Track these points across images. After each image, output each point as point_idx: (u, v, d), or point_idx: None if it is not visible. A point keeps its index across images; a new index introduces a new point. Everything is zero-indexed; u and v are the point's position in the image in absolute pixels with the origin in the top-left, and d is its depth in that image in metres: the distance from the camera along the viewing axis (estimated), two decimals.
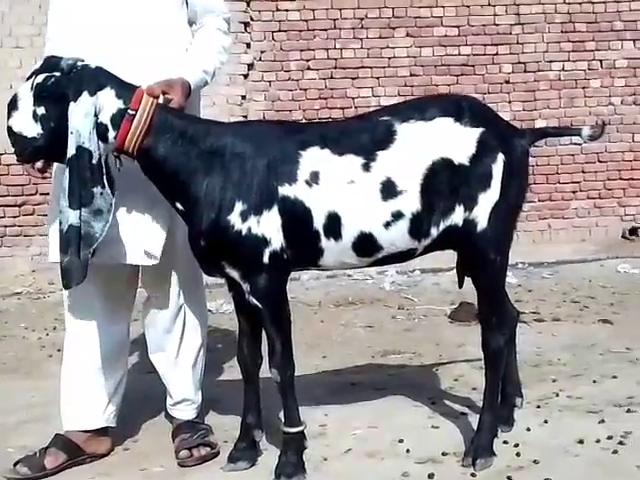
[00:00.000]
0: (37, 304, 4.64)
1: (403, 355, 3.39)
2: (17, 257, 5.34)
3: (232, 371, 3.13)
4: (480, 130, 2.17)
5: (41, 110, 2.04)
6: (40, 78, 2.04)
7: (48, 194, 5.32)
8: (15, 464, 2.29)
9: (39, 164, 2.14)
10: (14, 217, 5.38)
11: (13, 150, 2.11)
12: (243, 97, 5.50)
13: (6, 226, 5.39)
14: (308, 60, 5.52)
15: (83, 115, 2.01)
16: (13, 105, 2.08)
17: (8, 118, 2.08)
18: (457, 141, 2.15)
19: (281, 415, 2.28)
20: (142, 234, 2.24)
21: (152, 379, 2.89)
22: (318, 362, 3.27)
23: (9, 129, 2.08)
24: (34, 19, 5.24)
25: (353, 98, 5.56)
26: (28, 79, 2.08)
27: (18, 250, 5.36)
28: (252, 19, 5.48)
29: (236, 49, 5.43)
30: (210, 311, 4.30)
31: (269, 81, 5.52)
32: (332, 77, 5.54)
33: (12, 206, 5.37)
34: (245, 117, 5.39)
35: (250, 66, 5.50)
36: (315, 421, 2.51)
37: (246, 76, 5.50)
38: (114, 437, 2.48)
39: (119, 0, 2.22)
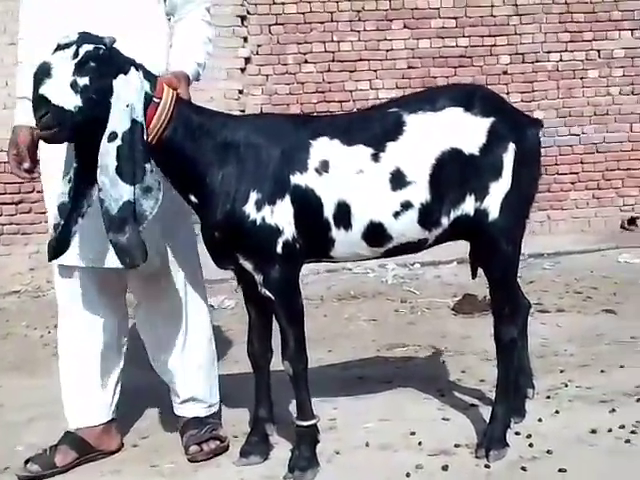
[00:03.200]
0: (37, 302, 4.60)
1: (409, 348, 3.37)
2: (15, 255, 5.29)
3: (237, 366, 3.11)
4: (491, 120, 2.16)
5: (83, 80, 1.88)
6: (89, 47, 1.90)
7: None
8: (26, 462, 2.27)
9: (27, 164, 2.08)
10: (11, 215, 5.33)
11: (40, 126, 1.89)
12: (240, 91, 5.46)
13: (3, 224, 5.34)
14: (305, 53, 5.48)
15: (136, 88, 1.94)
16: (45, 73, 1.87)
17: (39, 86, 1.87)
18: (467, 131, 2.14)
19: (292, 408, 2.26)
20: None
21: (156, 375, 2.88)
22: (323, 356, 3.25)
23: (41, 98, 1.86)
24: None
25: (351, 91, 5.52)
26: (57, 50, 1.90)
27: (16, 248, 5.31)
28: (249, 12, 5.44)
29: (233, 43, 5.40)
30: (212, 307, 4.30)
31: (266, 75, 5.48)
32: (330, 70, 5.51)
33: (9, 204, 5.31)
34: (243, 111, 5.34)
35: (247, 60, 5.46)
36: (325, 415, 2.49)
37: (243, 70, 5.46)
38: (123, 433, 2.45)
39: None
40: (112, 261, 2.15)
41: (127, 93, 1.93)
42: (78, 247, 2.20)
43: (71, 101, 1.88)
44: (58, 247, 2.06)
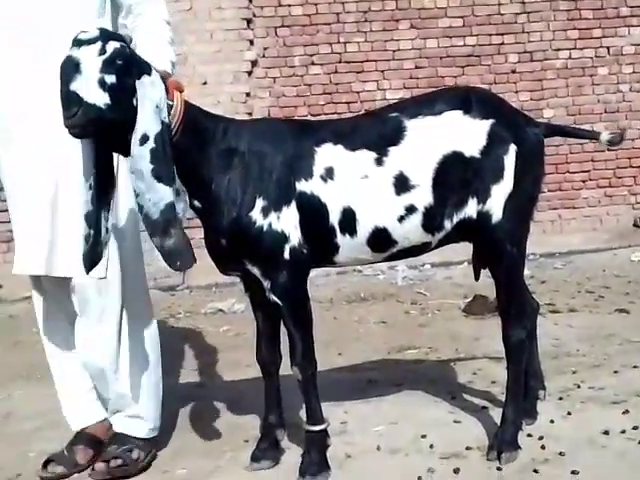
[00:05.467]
0: None
1: (419, 350, 3.36)
2: None
3: (248, 370, 3.10)
4: (490, 122, 2.14)
5: (110, 78, 1.82)
6: (116, 44, 1.85)
7: None
8: (45, 464, 2.26)
9: None
10: None
11: (70, 123, 1.80)
12: (247, 94, 5.47)
13: (12, 231, 5.35)
14: (312, 55, 5.47)
15: (161, 89, 1.92)
16: (74, 68, 1.79)
17: (69, 82, 1.79)
18: (467, 134, 2.13)
19: (302, 413, 2.25)
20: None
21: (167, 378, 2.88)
22: (334, 359, 3.24)
23: (72, 94, 1.78)
24: None
25: (358, 92, 5.51)
26: (80, 45, 1.82)
27: None
28: (255, 15, 5.44)
29: (239, 46, 5.41)
30: (222, 311, 4.32)
31: (273, 77, 5.48)
32: (337, 72, 5.50)
33: None
34: (250, 114, 5.35)
35: (254, 63, 5.46)
36: (336, 418, 2.49)
37: (250, 73, 5.46)
38: None
39: (32, 4, 2.11)
40: (60, 270, 2.15)
41: (154, 94, 1.89)
42: (30, 255, 2.21)
43: (101, 99, 1.81)
44: (92, 258, 2.00)
